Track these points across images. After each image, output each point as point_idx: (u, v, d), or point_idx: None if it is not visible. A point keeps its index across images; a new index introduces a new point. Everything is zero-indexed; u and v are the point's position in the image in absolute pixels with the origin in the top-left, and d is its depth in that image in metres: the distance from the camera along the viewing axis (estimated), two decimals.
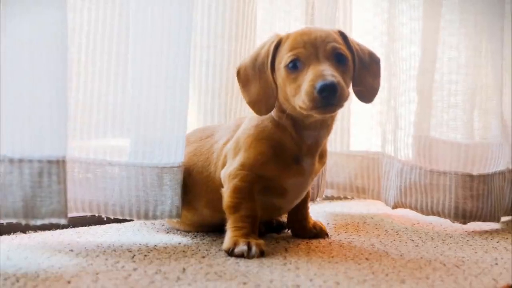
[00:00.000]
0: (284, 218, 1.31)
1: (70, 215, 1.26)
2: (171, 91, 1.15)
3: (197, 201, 1.19)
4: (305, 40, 1.05)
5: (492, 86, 1.47)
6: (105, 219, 1.23)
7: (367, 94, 1.13)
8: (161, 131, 1.16)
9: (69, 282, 0.87)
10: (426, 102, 1.48)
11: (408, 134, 1.48)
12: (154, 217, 1.16)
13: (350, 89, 1.10)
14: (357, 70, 1.11)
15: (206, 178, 1.17)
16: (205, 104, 1.39)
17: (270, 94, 1.09)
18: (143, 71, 1.14)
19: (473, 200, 1.40)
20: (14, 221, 0.99)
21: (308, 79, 1.01)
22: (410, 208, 1.46)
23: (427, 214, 1.44)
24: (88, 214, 1.17)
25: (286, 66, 1.05)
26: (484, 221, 1.41)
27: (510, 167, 1.50)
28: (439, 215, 1.42)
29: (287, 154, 1.11)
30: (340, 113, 1.59)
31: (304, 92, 1.01)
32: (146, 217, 1.16)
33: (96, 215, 1.17)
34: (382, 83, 1.52)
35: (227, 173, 1.12)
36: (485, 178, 1.41)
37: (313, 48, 1.05)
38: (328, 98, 0.99)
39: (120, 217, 1.17)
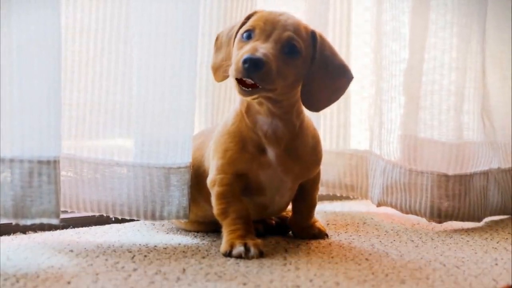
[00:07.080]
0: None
1: (73, 215, 1.27)
2: (177, 90, 1.15)
3: (198, 194, 1.19)
4: (268, 18, 1.07)
5: (475, 86, 1.47)
6: (108, 217, 1.23)
7: (312, 101, 1.11)
8: (167, 130, 1.16)
9: (69, 282, 0.87)
10: (413, 102, 1.47)
11: (392, 133, 1.48)
12: (161, 218, 1.17)
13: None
14: (312, 73, 1.09)
15: (203, 174, 1.18)
16: None
17: (229, 61, 1.10)
18: (149, 70, 1.14)
19: (449, 199, 1.40)
20: (4, 220, 0.99)
21: (244, 49, 1.03)
22: (391, 206, 1.46)
23: (406, 213, 1.44)
24: (97, 214, 1.18)
25: (241, 34, 1.07)
26: (462, 220, 1.41)
27: (503, 167, 1.50)
28: (417, 214, 1.43)
29: (249, 143, 1.11)
30: (335, 111, 1.60)
31: (234, 60, 1.03)
32: (153, 217, 1.16)
33: (97, 214, 1.18)
34: (370, 83, 1.54)
35: (209, 181, 1.13)
36: (461, 178, 1.41)
37: (271, 28, 1.06)
38: (249, 72, 0.99)
39: (128, 217, 1.18)
